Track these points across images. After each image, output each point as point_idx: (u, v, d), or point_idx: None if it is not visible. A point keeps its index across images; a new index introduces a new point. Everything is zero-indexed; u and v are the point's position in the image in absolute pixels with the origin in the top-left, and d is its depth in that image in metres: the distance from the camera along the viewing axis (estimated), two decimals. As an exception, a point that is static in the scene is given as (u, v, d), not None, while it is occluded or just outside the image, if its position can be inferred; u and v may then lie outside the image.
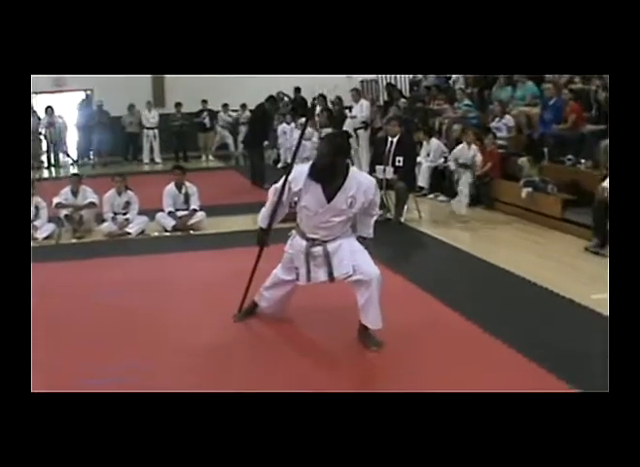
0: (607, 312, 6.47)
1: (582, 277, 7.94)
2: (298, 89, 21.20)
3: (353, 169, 5.85)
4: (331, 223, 5.76)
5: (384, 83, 22.42)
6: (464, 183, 12.47)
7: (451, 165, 13.04)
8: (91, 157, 21.95)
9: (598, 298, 6.98)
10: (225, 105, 21.78)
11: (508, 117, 13.97)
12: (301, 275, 5.99)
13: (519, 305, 7.11)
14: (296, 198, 5.87)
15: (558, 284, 7.51)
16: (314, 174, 5.69)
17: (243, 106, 21.41)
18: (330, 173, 5.64)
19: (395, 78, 21.92)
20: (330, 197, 5.67)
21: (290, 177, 5.85)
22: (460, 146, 13.16)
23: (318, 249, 5.82)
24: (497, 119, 13.95)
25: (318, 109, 16.84)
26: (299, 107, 19.69)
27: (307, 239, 5.87)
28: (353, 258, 5.79)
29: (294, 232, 6.10)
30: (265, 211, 6.13)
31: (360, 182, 5.73)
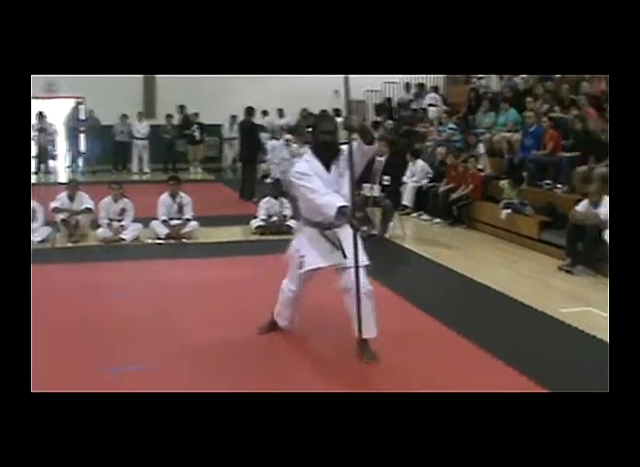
0: (575, 324, 7.07)
1: (554, 293, 8.48)
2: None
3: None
4: None
5: (372, 103, 22.97)
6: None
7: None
8: (80, 164, 22.24)
9: (568, 311, 7.53)
10: (233, 117, 21.72)
11: (480, 145, 14.58)
12: (310, 261, 6.11)
13: (496, 316, 7.61)
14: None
15: (532, 298, 8.03)
16: (322, 151, 6.04)
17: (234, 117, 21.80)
18: (336, 149, 6.01)
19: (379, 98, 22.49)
20: (328, 170, 6.00)
21: (304, 170, 6.00)
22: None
23: (330, 232, 6.05)
24: (471, 148, 14.54)
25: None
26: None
27: (316, 224, 6.11)
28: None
29: (300, 223, 6.42)
30: (328, 197, 5.86)
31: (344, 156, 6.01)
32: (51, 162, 21.80)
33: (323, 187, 5.86)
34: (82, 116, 22.35)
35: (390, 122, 18.87)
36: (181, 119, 21.91)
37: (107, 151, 21.74)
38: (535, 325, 7.32)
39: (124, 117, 21.62)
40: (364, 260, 6.05)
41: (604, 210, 9.39)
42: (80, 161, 22.31)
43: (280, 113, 22.49)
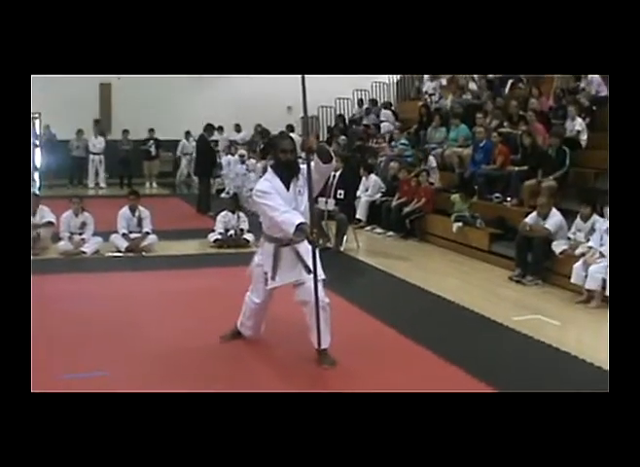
0: (526, 331, 7.40)
1: (504, 302, 8.84)
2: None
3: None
4: None
5: (325, 120, 23.30)
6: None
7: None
8: (36, 179, 22.20)
9: (518, 319, 7.87)
10: (187, 133, 22.14)
11: (430, 158, 14.94)
12: (269, 280, 6.40)
13: (448, 323, 7.92)
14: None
15: (483, 307, 8.37)
16: (282, 169, 6.26)
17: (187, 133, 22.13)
18: (295, 166, 6.23)
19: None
20: (287, 187, 6.23)
21: (265, 188, 6.21)
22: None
23: (286, 249, 6.30)
24: (422, 162, 14.89)
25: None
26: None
27: (275, 240, 6.33)
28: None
29: (262, 240, 6.60)
30: (287, 215, 6.05)
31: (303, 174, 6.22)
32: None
33: (283, 205, 6.08)
34: (37, 131, 22.34)
35: (343, 137, 19.17)
36: (96, 132, 22.14)
37: (63, 165, 21.82)
38: (487, 332, 7.64)
39: (80, 132, 21.72)
40: (321, 274, 6.27)
41: (552, 222, 9.79)
42: (36, 176, 22.28)
43: (237, 128, 22.73)
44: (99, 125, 22.19)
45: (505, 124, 14.30)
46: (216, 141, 20.05)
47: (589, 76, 13.93)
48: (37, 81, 19.67)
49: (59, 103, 21.15)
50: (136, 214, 11.81)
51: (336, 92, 22.64)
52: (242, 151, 18.67)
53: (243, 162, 17.86)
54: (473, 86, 17.35)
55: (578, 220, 9.56)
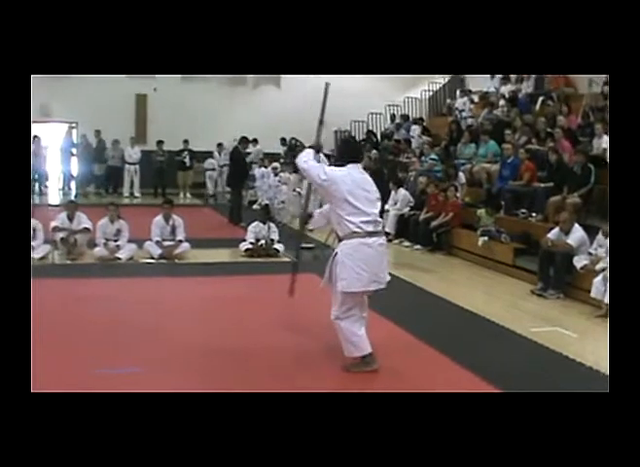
0: (541, 341, 7.61)
1: (525, 314, 9.05)
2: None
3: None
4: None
5: (357, 134, 23.57)
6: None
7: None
8: (73, 187, 22.69)
9: (536, 331, 8.08)
10: (219, 145, 22.51)
11: (460, 174, 15.25)
12: None
13: (468, 332, 8.18)
14: None
15: (504, 319, 8.60)
16: None
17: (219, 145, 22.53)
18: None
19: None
20: None
21: None
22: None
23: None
24: (451, 178, 15.13)
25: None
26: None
27: None
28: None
29: None
30: None
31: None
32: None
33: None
34: (74, 140, 22.76)
35: (375, 151, 19.44)
36: (97, 142, 22.54)
37: (99, 174, 22.30)
38: (504, 341, 7.86)
39: (116, 142, 22.17)
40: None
41: (574, 237, 9.99)
42: (72, 184, 22.74)
43: (283, 141, 22.90)
44: (99, 134, 22.48)
45: (533, 140, 14.49)
46: (248, 153, 20.39)
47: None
48: (74, 91, 20.08)
49: (96, 113, 21.62)
50: (170, 222, 12.15)
51: (368, 107, 22.99)
52: (276, 163, 19.01)
53: (276, 175, 18.21)
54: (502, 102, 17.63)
55: (599, 236, 9.76)
